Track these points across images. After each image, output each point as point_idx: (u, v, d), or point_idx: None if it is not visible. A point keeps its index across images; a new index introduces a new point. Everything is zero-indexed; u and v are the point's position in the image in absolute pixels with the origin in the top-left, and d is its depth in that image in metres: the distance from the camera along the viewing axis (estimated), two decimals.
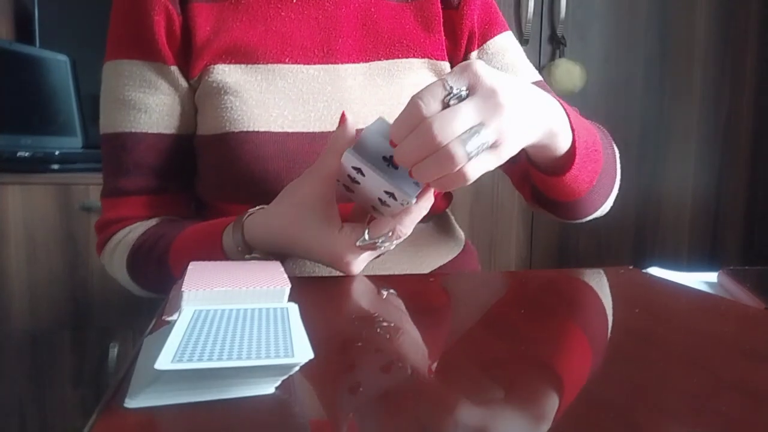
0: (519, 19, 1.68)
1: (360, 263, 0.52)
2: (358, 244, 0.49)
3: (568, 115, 0.53)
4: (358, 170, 0.46)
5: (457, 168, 0.42)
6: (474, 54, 0.75)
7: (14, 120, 1.40)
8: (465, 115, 0.41)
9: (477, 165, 0.43)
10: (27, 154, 1.25)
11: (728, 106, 1.81)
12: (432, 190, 0.49)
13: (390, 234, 0.49)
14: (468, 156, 0.41)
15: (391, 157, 0.45)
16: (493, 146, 0.43)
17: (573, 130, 0.54)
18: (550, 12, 1.70)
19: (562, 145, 0.54)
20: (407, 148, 0.42)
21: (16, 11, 1.61)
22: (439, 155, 0.41)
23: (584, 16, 1.71)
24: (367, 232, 0.49)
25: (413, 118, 0.42)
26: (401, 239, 0.51)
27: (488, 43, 0.75)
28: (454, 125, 0.41)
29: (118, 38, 0.68)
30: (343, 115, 0.48)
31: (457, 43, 0.74)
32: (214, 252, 0.56)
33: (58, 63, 1.50)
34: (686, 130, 1.80)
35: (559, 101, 0.53)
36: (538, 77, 0.77)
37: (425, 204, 0.49)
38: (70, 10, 1.59)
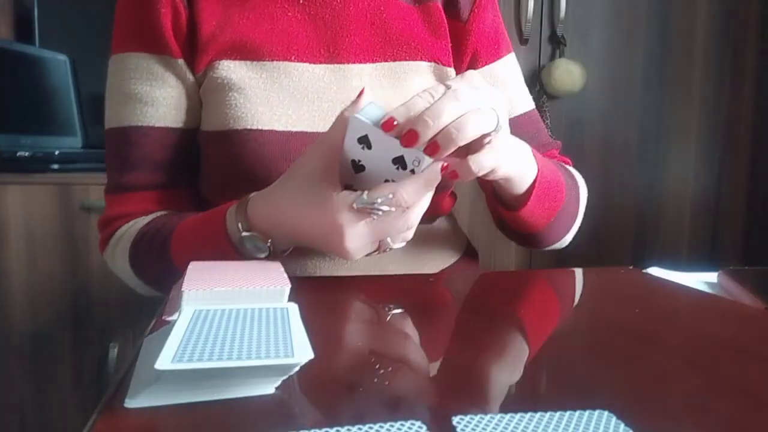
0: (519, 19, 1.68)
1: (356, 237, 0.48)
2: (355, 205, 0.46)
3: (536, 160, 0.58)
4: (365, 142, 0.45)
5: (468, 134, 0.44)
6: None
7: (14, 120, 1.40)
8: (468, 95, 0.45)
9: (483, 159, 0.46)
10: (27, 154, 1.25)
11: (728, 106, 1.81)
12: (439, 166, 0.46)
13: (391, 197, 0.46)
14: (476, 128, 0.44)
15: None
16: (491, 147, 0.46)
17: (538, 171, 0.58)
18: (550, 12, 1.70)
19: (527, 183, 0.58)
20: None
21: (16, 11, 1.61)
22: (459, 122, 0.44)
23: (584, 16, 1.71)
24: (366, 193, 0.46)
25: (415, 106, 0.44)
26: (407, 235, 0.49)
27: (492, 65, 0.74)
28: (465, 102, 0.45)
29: (124, 31, 0.67)
30: (362, 91, 0.48)
31: (460, 58, 0.73)
32: (216, 233, 0.54)
33: (58, 63, 1.50)
34: (686, 130, 1.80)
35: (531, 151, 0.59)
36: (532, 106, 0.77)
37: (431, 177, 0.46)
38: (70, 9, 1.59)
